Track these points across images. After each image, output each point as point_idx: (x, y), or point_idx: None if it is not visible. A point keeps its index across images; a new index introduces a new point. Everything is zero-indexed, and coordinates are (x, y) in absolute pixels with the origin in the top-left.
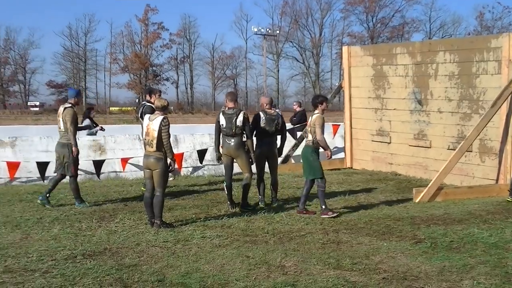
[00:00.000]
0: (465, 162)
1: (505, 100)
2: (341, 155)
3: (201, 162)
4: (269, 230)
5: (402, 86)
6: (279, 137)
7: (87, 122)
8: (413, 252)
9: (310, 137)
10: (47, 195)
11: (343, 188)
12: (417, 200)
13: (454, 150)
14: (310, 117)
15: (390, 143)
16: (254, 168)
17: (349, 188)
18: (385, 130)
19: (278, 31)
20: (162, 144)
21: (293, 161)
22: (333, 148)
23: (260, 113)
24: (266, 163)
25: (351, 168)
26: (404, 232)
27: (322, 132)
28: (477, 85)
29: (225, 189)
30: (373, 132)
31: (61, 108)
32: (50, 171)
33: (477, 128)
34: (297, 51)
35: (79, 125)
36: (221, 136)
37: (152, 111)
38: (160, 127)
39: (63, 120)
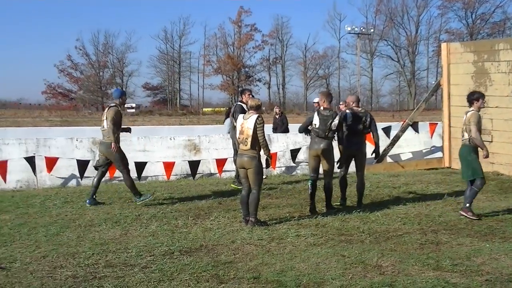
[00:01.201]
0: None
1: None
2: (439, 154)
3: (294, 161)
4: (364, 230)
5: (505, 83)
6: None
7: None
8: None
9: (466, 135)
10: (94, 196)
11: (442, 188)
12: None
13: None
14: (465, 115)
15: (492, 141)
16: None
17: (448, 188)
18: (486, 128)
19: (372, 30)
20: (256, 142)
21: (388, 159)
22: (431, 147)
23: (347, 111)
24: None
25: (450, 167)
26: (507, 233)
27: (478, 130)
28: None
29: (309, 187)
30: None
31: (106, 108)
32: (148, 171)
33: None
34: (392, 49)
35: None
36: (311, 136)
37: (242, 110)
38: (255, 125)
39: (106, 119)
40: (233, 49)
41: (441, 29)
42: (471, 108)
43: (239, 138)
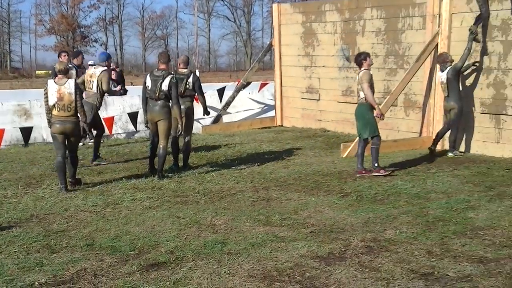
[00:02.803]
0: (391, 116)
1: (429, 54)
2: (272, 113)
3: (134, 126)
4: (199, 190)
5: (330, 43)
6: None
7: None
8: (339, 205)
9: (362, 94)
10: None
11: (274, 146)
12: (344, 155)
13: (381, 105)
14: (358, 75)
15: (319, 100)
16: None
17: (279, 145)
18: (314, 87)
19: None
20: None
21: (224, 119)
22: (264, 107)
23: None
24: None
25: (282, 126)
26: (331, 186)
27: (370, 88)
28: (403, 41)
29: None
30: (303, 90)
31: (92, 69)
32: None
33: (402, 82)
34: (228, 9)
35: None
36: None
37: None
38: (75, 90)
39: (98, 81)
40: (67, 8)
41: None
42: (362, 68)
43: (57, 104)
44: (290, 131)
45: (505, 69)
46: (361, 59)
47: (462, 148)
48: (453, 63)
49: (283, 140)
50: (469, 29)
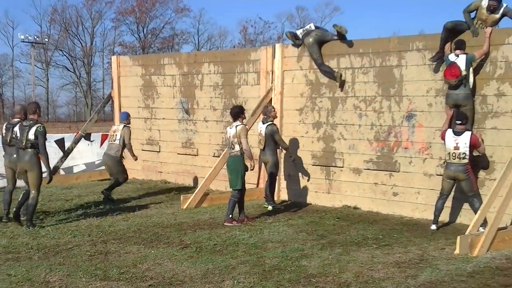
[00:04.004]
0: None
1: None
2: None
3: None
4: (33, 246)
5: (170, 96)
6: None
7: None
8: (179, 257)
9: (237, 147)
10: None
11: (114, 197)
12: (184, 207)
13: (219, 157)
14: (233, 128)
15: (159, 151)
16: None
17: (119, 197)
18: (155, 139)
19: (47, 39)
20: None
21: (62, 172)
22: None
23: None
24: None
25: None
26: (171, 238)
27: (247, 142)
28: (239, 95)
29: None
30: (143, 142)
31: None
32: None
33: None
34: (68, 60)
35: None
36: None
37: None
38: None
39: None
40: None
41: (115, 41)
42: (238, 122)
43: None
44: (131, 183)
45: (333, 124)
46: (237, 111)
47: (298, 198)
48: (273, 125)
49: (123, 192)
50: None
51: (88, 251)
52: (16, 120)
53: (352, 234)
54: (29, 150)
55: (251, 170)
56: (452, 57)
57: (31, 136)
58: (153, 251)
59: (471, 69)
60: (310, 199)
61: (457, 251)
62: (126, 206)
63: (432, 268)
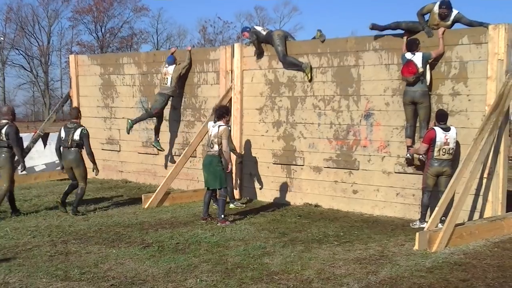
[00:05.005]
0: (190, 167)
1: None
2: None
3: None
4: None
5: (130, 95)
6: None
7: None
8: (141, 256)
9: (216, 147)
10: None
11: (73, 198)
12: (146, 206)
13: (180, 156)
14: (216, 128)
15: (120, 151)
16: None
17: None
18: (115, 138)
19: (2, 38)
20: None
21: (19, 172)
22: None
23: None
24: None
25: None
26: (133, 238)
27: (227, 144)
28: (199, 94)
29: None
30: (103, 141)
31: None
32: None
33: (200, 134)
34: (24, 59)
35: None
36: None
37: None
38: None
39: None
40: None
41: (73, 41)
42: (221, 122)
43: None
44: (91, 183)
45: (293, 123)
46: (223, 112)
47: (260, 196)
48: (226, 129)
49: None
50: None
51: (48, 251)
52: (4, 121)
53: (313, 231)
54: (73, 149)
55: (227, 172)
56: (408, 55)
57: (76, 137)
58: (114, 251)
59: (427, 66)
60: (271, 197)
61: (416, 247)
62: (86, 206)
63: (392, 264)
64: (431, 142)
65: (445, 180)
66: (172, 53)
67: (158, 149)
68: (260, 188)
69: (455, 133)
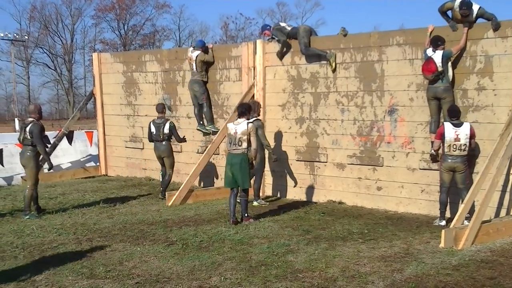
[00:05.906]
0: (213, 165)
1: None
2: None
3: None
4: (18, 244)
5: (152, 92)
6: None
7: None
8: (165, 254)
9: (245, 145)
10: None
11: (98, 196)
12: (169, 204)
13: (203, 153)
14: (243, 124)
15: (143, 149)
16: None
17: (104, 195)
18: (138, 136)
19: (26, 37)
20: None
21: (46, 171)
22: (87, 156)
23: None
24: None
25: (106, 175)
26: (157, 235)
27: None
28: (221, 91)
29: None
30: (127, 139)
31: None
32: None
33: (223, 131)
34: (48, 57)
35: None
36: None
37: None
38: None
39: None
40: None
41: (96, 39)
42: (245, 119)
43: None
44: (115, 181)
45: (316, 119)
46: (246, 108)
47: (283, 194)
48: (257, 125)
49: (107, 189)
50: None
51: (73, 249)
52: (30, 119)
53: (337, 228)
54: (165, 142)
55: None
56: (429, 51)
57: (166, 130)
58: (139, 249)
59: (449, 64)
60: (295, 194)
61: (442, 245)
62: (110, 204)
63: (417, 262)
64: (442, 137)
65: (459, 176)
66: (204, 44)
67: (204, 132)
68: (284, 185)
69: (468, 129)
